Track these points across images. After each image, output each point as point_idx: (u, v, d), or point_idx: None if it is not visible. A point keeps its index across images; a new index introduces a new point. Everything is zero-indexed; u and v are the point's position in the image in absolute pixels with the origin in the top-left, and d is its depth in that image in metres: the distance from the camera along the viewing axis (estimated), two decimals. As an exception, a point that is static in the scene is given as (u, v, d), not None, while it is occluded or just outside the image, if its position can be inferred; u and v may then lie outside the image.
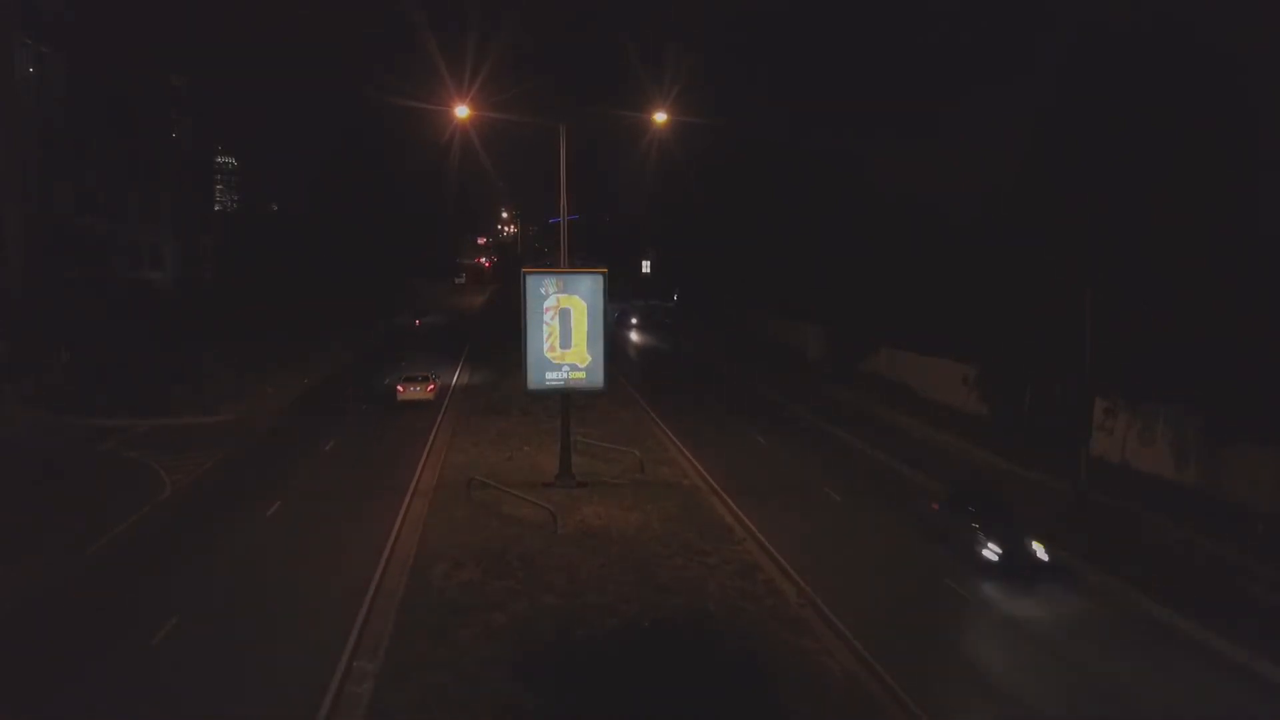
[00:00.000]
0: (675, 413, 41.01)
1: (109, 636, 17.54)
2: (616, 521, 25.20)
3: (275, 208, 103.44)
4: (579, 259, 47.10)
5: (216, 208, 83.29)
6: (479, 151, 69.94)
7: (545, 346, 27.86)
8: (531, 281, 27.73)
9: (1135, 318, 27.96)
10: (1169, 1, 29.04)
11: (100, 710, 15.03)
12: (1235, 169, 27.25)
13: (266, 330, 55.65)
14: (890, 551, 23.65)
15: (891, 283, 45.83)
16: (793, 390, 47.81)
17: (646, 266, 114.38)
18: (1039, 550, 21.63)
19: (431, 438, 35.35)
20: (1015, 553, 21.43)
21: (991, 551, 21.60)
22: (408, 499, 27.15)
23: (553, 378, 28.10)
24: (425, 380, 43.35)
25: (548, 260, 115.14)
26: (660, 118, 31.58)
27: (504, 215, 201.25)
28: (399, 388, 42.69)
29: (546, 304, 27.66)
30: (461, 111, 28.79)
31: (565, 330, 27.79)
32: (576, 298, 27.70)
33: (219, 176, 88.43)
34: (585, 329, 27.81)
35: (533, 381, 28.14)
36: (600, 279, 27.93)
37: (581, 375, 28.14)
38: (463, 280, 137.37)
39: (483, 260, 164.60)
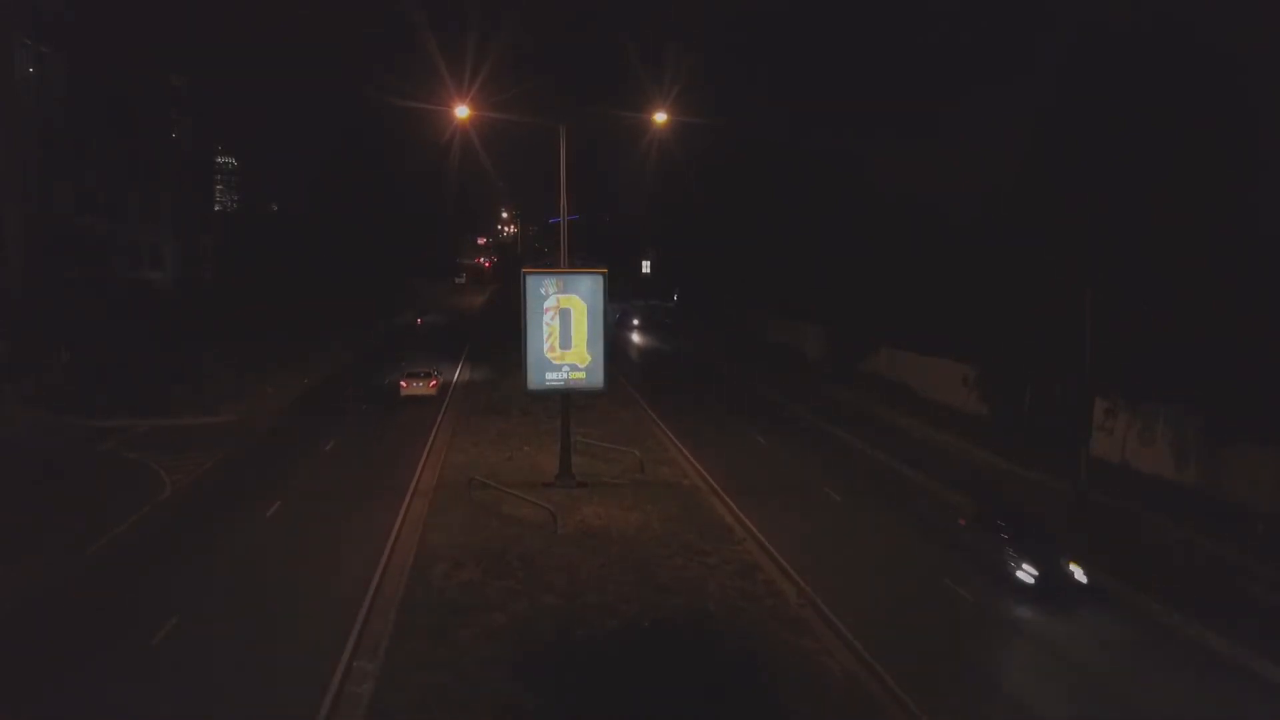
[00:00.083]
0: (675, 413, 41.01)
1: (109, 636, 17.54)
2: (616, 521, 25.21)
3: (275, 208, 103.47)
4: (579, 259, 47.00)
5: (216, 208, 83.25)
6: (479, 151, 69.99)
7: (545, 347, 27.85)
8: (531, 282, 27.73)
9: (1135, 318, 27.96)
10: (1169, 1, 29.04)
11: (100, 710, 15.03)
12: (1235, 169, 27.25)
13: (266, 330, 55.64)
14: (890, 551, 23.65)
15: (891, 283, 45.83)
16: (793, 390, 47.81)
17: (646, 266, 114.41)
18: (1077, 572, 20.49)
19: (431, 438, 35.35)
20: (1052, 574, 20.30)
21: (1027, 573, 20.48)
22: (408, 499, 27.14)
23: (553, 378, 28.10)
24: (428, 376, 44.37)
25: (548, 260, 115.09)
26: (660, 118, 31.56)
27: (504, 215, 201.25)
28: (402, 383, 43.78)
29: (546, 304, 27.65)
30: (461, 111, 28.78)
31: (565, 330, 27.78)
32: (576, 298, 27.70)
33: (219, 176, 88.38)
34: (585, 329, 27.81)
35: (533, 382, 28.14)
36: (600, 279, 27.93)
37: (581, 375, 28.13)
38: (463, 280, 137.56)
39: (483, 260, 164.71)
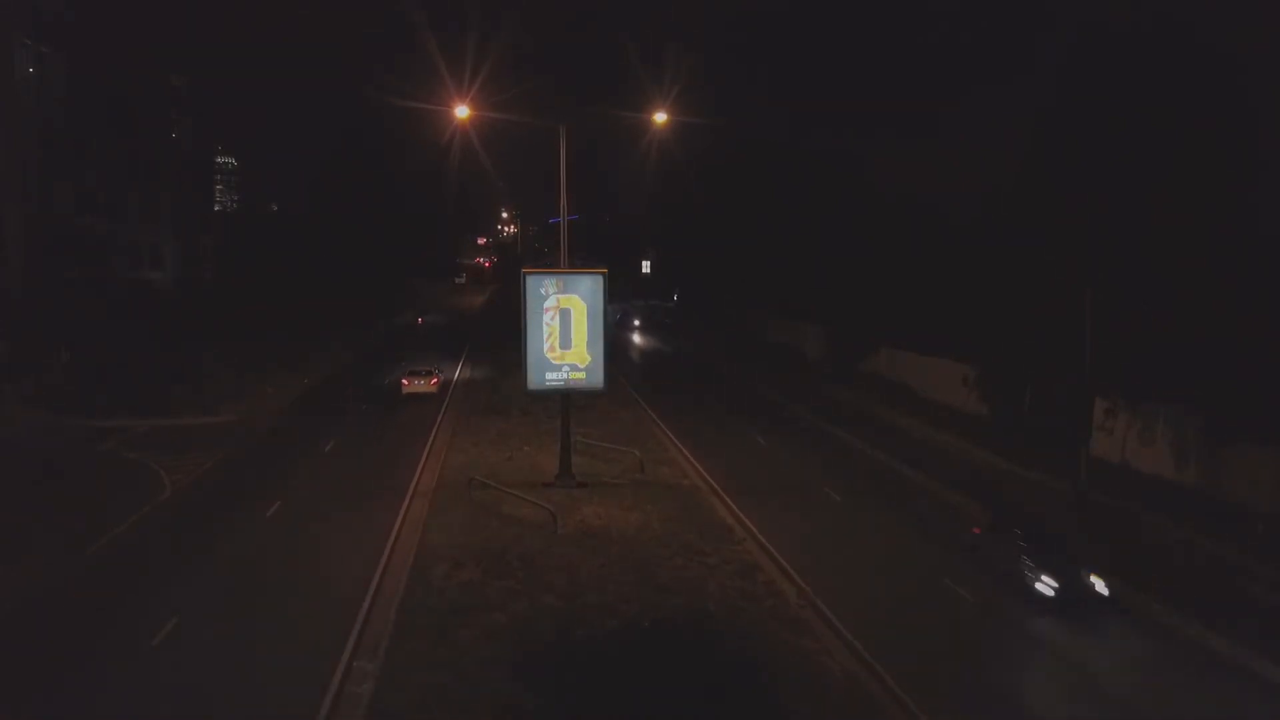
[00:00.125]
0: (675, 413, 41.01)
1: (109, 636, 17.54)
2: (616, 522, 25.20)
3: (275, 208, 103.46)
4: (579, 259, 47.00)
5: (216, 208, 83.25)
6: (479, 151, 69.99)
7: (545, 347, 27.86)
8: (531, 282, 27.73)
9: (1135, 318, 27.96)
10: (1169, 1, 29.04)
11: (100, 710, 15.03)
12: (1235, 169, 27.25)
13: (266, 330, 55.63)
14: (890, 551, 23.65)
15: (891, 283, 45.83)
16: (793, 390, 47.81)
17: (646, 266, 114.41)
18: (1098, 583, 19.80)
19: (431, 438, 35.35)
20: (1072, 586, 19.59)
21: (1046, 585, 19.79)
22: (408, 499, 27.14)
23: (553, 378, 28.10)
24: (429, 374, 45.22)
25: (548, 260, 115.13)
26: (660, 118, 31.56)
27: (504, 215, 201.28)
28: (404, 380, 44.57)
29: (546, 304, 27.65)
30: (461, 111, 28.77)
31: (565, 330, 27.79)
32: (576, 298, 27.70)
33: (219, 176, 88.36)
34: (585, 329, 27.81)
35: (533, 382, 28.14)
36: (600, 279, 27.93)
37: (581, 375, 28.14)
38: (463, 280, 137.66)
39: (483, 260, 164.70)
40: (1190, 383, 27.27)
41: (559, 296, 27.67)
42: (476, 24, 65.23)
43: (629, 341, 72.69)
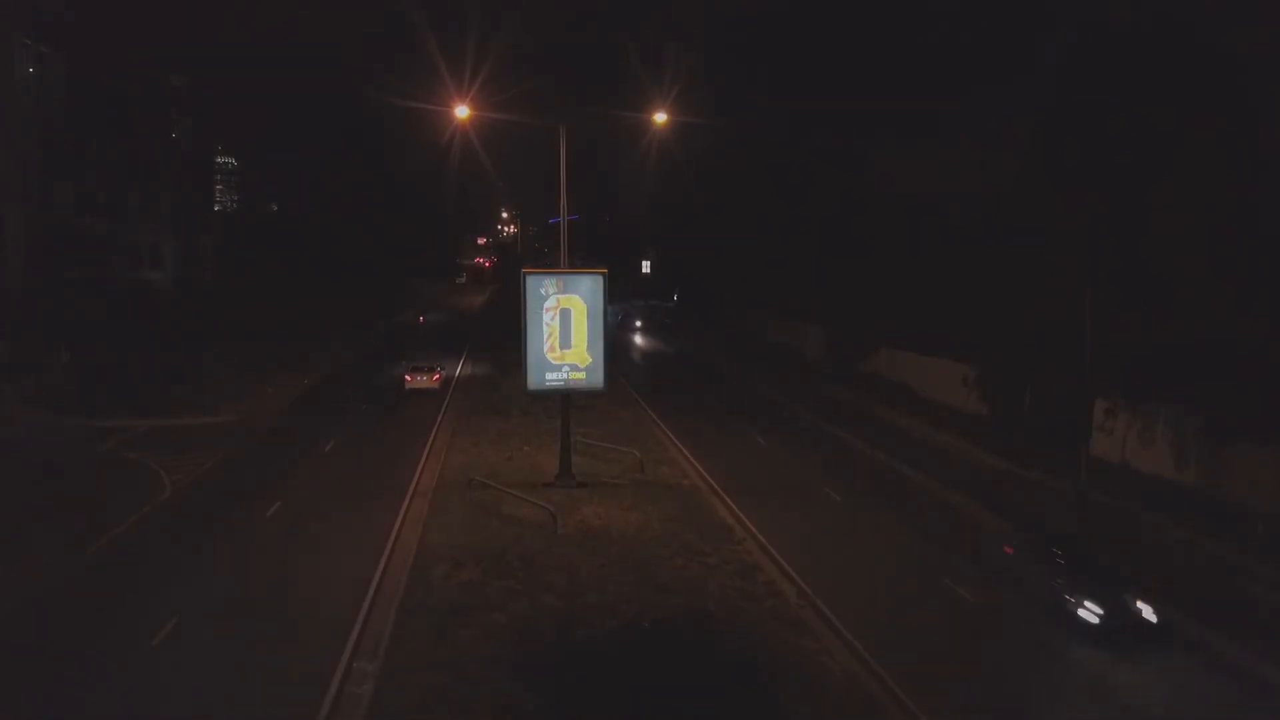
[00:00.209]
0: (675, 413, 41.00)
1: (109, 636, 17.54)
2: (616, 522, 25.20)
3: (275, 208, 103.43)
4: (579, 259, 47.04)
5: (216, 208, 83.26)
6: (479, 151, 69.99)
7: (545, 347, 27.84)
8: (531, 282, 27.72)
9: (1135, 318, 27.96)
10: (1169, 1, 29.03)
11: (100, 710, 15.03)
12: (1235, 169, 27.25)
13: (266, 330, 55.64)
14: (890, 551, 23.64)
15: (891, 283, 45.84)
16: (793, 390, 47.81)
17: (646, 266, 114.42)
18: (1145, 610, 18.31)
19: (431, 438, 35.35)
20: (1118, 614, 18.16)
21: (1090, 612, 18.33)
22: (408, 499, 27.14)
23: (553, 378, 28.09)
24: (431, 370, 46.01)
25: (548, 260, 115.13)
26: (660, 118, 31.55)
27: (504, 215, 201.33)
28: (406, 377, 45.24)
29: (546, 304, 27.64)
30: (461, 112, 28.77)
31: (565, 330, 27.78)
32: (576, 298, 27.69)
33: (219, 176, 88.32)
34: (585, 329, 27.80)
35: (533, 382, 28.13)
36: (600, 279, 27.92)
37: (581, 376, 28.13)
38: (463, 280, 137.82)
39: (483, 260, 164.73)
40: (1190, 383, 27.27)
41: (559, 296, 27.66)
42: (476, 24, 65.25)
43: (630, 342, 72.70)
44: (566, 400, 29.12)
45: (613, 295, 30.75)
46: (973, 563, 22.34)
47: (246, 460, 31.90)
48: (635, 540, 23.67)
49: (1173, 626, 18.41)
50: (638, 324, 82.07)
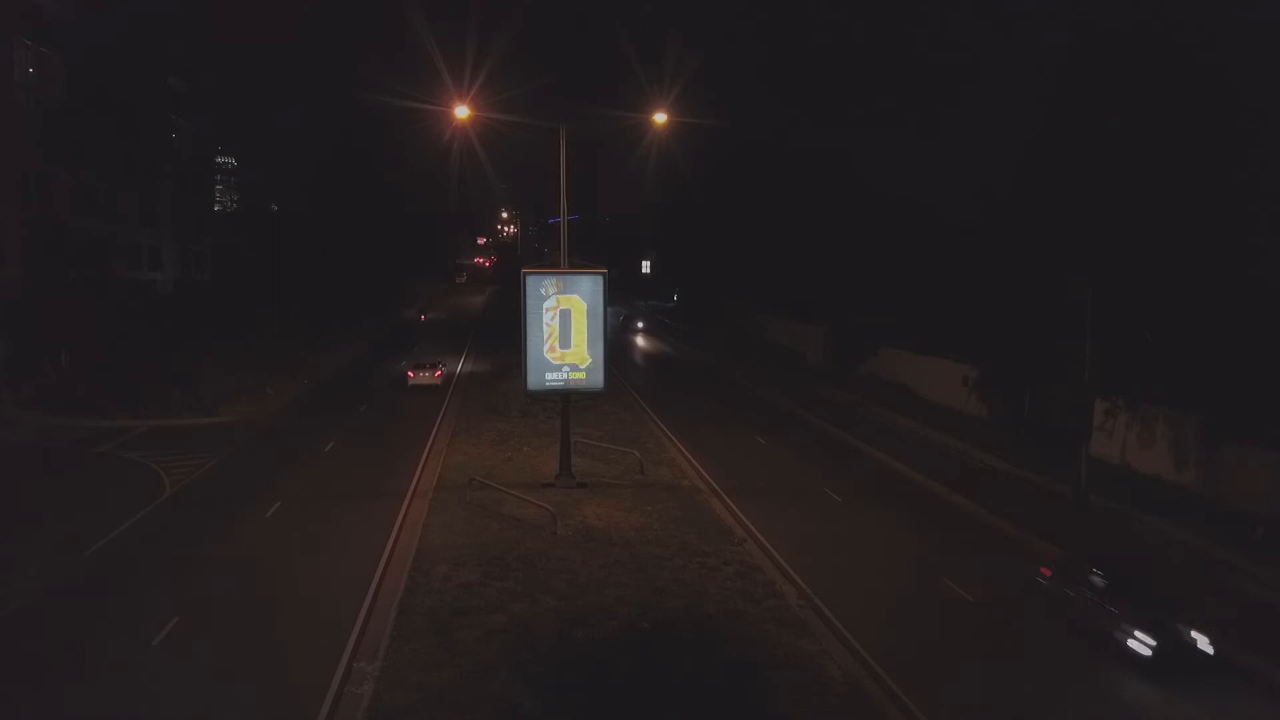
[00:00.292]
0: (675, 413, 41.00)
1: (109, 637, 17.53)
2: (616, 522, 25.19)
3: (275, 208, 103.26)
4: (579, 259, 47.09)
5: (216, 208, 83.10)
6: (479, 151, 70.00)
7: (545, 347, 27.81)
8: (531, 282, 27.68)
9: (1135, 318, 27.94)
10: (1169, 1, 29.00)
11: (100, 710, 15.01)
12: (1235, 169, 27.22)
13: (266, 330, 55.55)
14: (890, 552, 23.64)
15: (891, 283, 45.86)
16: (792, 391, 47.80)
17: (646, 267, 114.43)
18: (1200, 640, 17.03)
19: (431, 438, 35.34)
20: (1172, 646, 16.85)
21: (1142, 644, 16.95)
22: (407, 500, 27.13)
23: (553, 379, 28.06)
24: (434, 367, 47.13)
25: (548, 260, 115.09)
26: (660, 118, 31.53)
27: (504, 215, 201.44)
28: (409, 373, 46.26)
29: (546, 304, 27.61)
30: (461, 112, 28.75)
31: (565, 331, 27.75)
32: (576, 298, 27.67)
33: (219, 176, 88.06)
34: (585, 329, 27.77)
35: (532, 382, 28.09)
36: (600, 279, 27.88)
37: (581, 376, 28.09)
38: (463, 280, 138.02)
39: (482, 260, 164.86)
40: (1190, 384, 27.27)
41: (559, 297, 27.62)
42: (476, 24, 65.23)
43: (630, 343, 72.71)
44: (566, 401, 29.09)
45: (613, 297, 30.71)
46: (1023, 592, 20.39)
47: (246, 460, 31.88)
48: (635, 541, 23.65)
49: (1227, 658, 17.21)
50: (639, 325, 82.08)
